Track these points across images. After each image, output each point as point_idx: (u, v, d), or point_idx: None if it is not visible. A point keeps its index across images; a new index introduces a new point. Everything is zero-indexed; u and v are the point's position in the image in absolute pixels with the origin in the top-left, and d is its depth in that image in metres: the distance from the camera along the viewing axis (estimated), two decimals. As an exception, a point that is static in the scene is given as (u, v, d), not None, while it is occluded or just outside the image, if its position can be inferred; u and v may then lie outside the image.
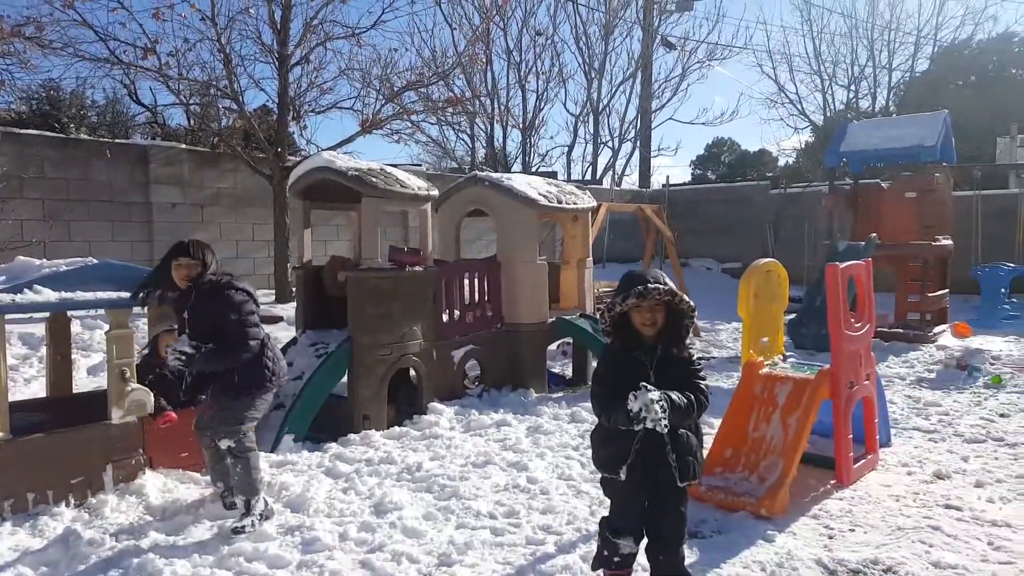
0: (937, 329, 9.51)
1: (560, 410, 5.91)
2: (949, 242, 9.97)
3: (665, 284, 2.60)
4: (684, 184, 23.59)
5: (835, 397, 4.26)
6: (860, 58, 22.96)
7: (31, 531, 3.46)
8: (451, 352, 6.15)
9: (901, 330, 9.42)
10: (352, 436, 5.07)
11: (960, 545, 3.49)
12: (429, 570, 3.23)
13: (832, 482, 4.28)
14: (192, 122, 13.17)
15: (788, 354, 4.96)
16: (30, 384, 5.66)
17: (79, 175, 9.10)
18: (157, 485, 3.98)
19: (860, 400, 4.49)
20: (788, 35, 27.96)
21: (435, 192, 6.12)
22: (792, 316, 9.31)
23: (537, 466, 4.56)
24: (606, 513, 3.07)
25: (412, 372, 5.88)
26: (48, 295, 3.76)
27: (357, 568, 3.22)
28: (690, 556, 3.36)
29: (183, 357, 3.43)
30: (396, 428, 5.35)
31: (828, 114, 23.15)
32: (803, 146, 24.55)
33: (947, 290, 10.12)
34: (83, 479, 3.81)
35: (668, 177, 17.41)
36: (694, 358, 2.73)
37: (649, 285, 2.56)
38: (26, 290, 3.70)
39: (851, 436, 4.33)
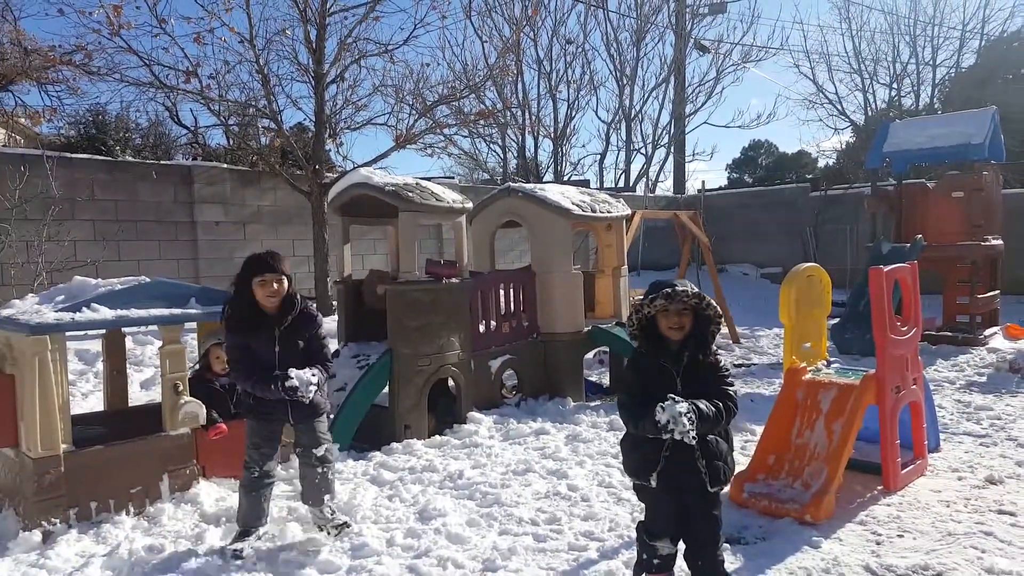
0: (988, 331, 9.30)
1: (598, 418, 5.94)
2: (999, 242, 9.75)
3: (693, 289, 2.65)
4: (720, 188, 23.41)
5: (881, 402, 4.22)
6: (902, 55, 22.52)
7: (95, 538, 3.61)
8: (488, 362, 6.23)
9: (949, 333, 9.23)
10: (395, 445, 5.17)
11: (1014, 551, 3.44)
12: (475, 574, 3.30)
13: (879, 488, 4.25)
14: (231, 142, 13.52)
15: (832, 359, 4.92)
16: (87, 398, 5.90)
17: (127, 196, 9.43)
18: (211, 494, 4.12)
19: (907, 405, 4.44)
20: (826, 34, 27.68)
21: (469, 205, 6.23)
22: (836, 320, 9.20)
23: (577, 474, 4.60)
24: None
25: (451, 382, 5.97)
26: (105, 313, 3.92)
27: (405, 573, 3.30)
28: (734, 562, 3.38)
29: (313, 386, 3.41)
30: (437, 437, 5.44)
31: (869, 113, 22.76)
32: (844, 147, 24.13)
33: (998, 291, 9.89)
34: (141, 488, 3.97)
35: (704, 182, 17.40)
36: (721, 363, 2.76)
37: (677, 288, 2.62)
38: (84, 308, 3.87)
39: (898, 441, 4.28)
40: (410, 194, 5.62)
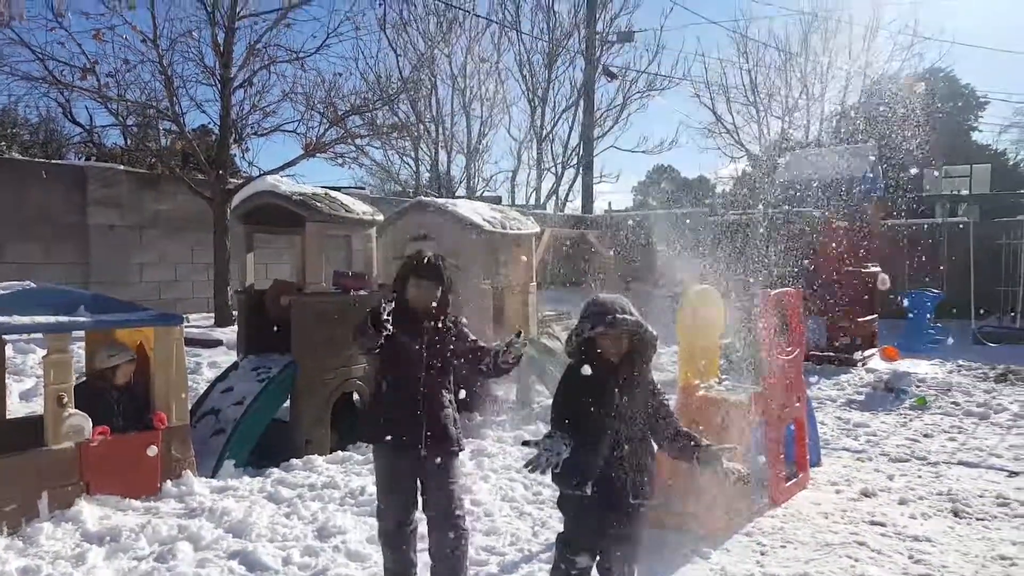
0: (866, 353, 9.99)
1: (504, 433, 6.02)
2: (878, 269, 10.54)
3: (632, 314, 2.73)
4: (626, 210, 24.21)
5: (768, 419, 4.47)
6: (794, 90, 24.09)
7: (-40, 562, 3.37)
8: (396, 376, 6.19)
9: (832, 354, 9.87)
10: (294, 461, 5.06)
11: (884, 559, 3.73)
12: (373, 592, 3.28)
13: (765, 501, 4.47)
14: (129, 142, 12.90)
15: (724, 377, 5.17)
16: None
17: (12, 196, 8.83)
18: (95, 512, 3.90)
19: (791, 422, 4.73)
20: (725, 67, 29.16)
21: (380, 217, 6.21)
22: (728, 340, 9.64)
23: (481, 488, 4.65)
24: (551, 533, 3.18)
25: (356, 396, 5.90)
26: (-18, 319, 3.69)
27: (301, 591, 3.25)
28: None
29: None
30: (339, 452, 5.36)
31: (763, 143, 24.17)
32: (740, 174, 25.52)
33: (876, 315, 10.67)
34: (17, 507, 3.73)
35: (610, 203, 17.90)
36: (657, 383, 2.88)
37: (618, 316, 2.69)
38: (-41, 314, 3.64)
39: (783, 456, 4.55)
40: (318, 204, 5.56)
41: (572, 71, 23.70)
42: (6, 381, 4.81)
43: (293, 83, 11.33)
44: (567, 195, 24.53)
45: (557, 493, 4.50)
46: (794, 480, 4.72)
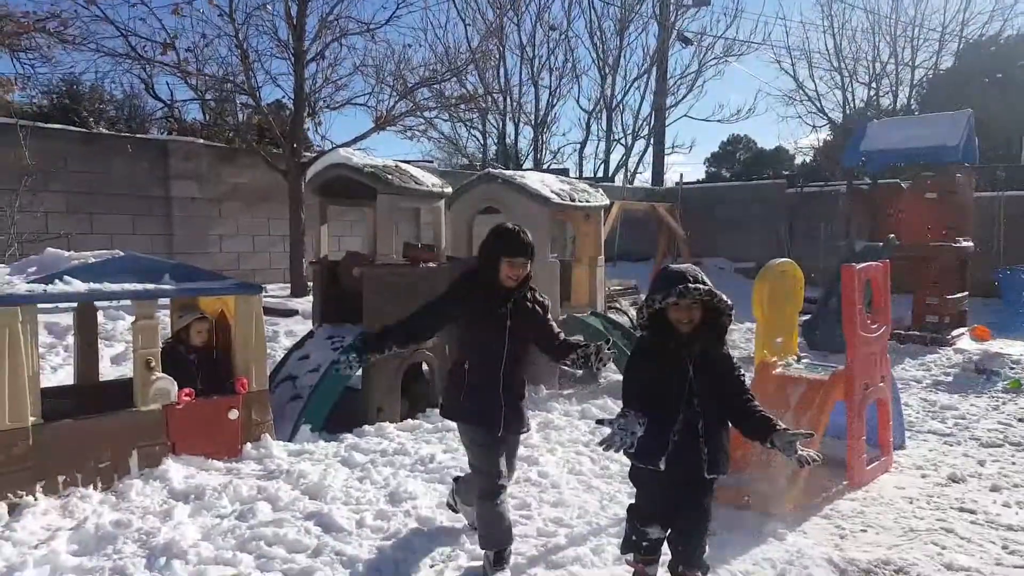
0: (955, 332, 9.51)
1: (571, 407, 6.00)
2: (970, 244, 9.96)
3: (704, 283, 2.65)
4: (698, 182, 23.57)
5: (849, 398, 4.30)
6: (882, 55, 22.74)
7: (62, 512, 3.59)
8: (464, 347, 6.24)
9: (918, 333, 9.43)
10: (367, 427, 5.18)
11: (974, 548, 3.55)
12: (443, 558, 3.33)
13: (844, 483, 4.33)
14: (208, 117, 13.31)
15: (802, 355, 5.01)
16: (57, 372, 5.81)
17: (101, 169, 9.27)
18: (180, 471, 4.09)
19: (875, 402, 4.53)
20: (808, 31, 27.68)
21: (449, 189, 6.22)
22: (807, 317, 9.34)
23: (548, 461, 4.65)
24: (619, 508, 3.15)
25: (425, 367, 5.98)
26: (78, 286, 3.88)
27: (374, 553, 3.33)
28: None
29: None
30: (409, 421, 5.46)
31: (848, 112, 23.00)
32: (821, 144, 24.37)
33: (967, 293, 10.11)
34: (110, 464, 3.94)
35: (682, 175, 17.46)
36: (733, 357, 2.80)
37: (689, 285, 2.61)
38: (56, 281, 3.83)
39: (864, 438, 4.37)
40: (389, 177, 5.60)
41: (645, 37, 23.20)
42: (97, 347, 5.07)
43: (364, 55, 11.46)
44: (637, 167, 24.10)
45: (625, 468, 4.51)
46: (876, 463, 4.54)
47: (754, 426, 2.74)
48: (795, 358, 4.80)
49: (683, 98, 23.04)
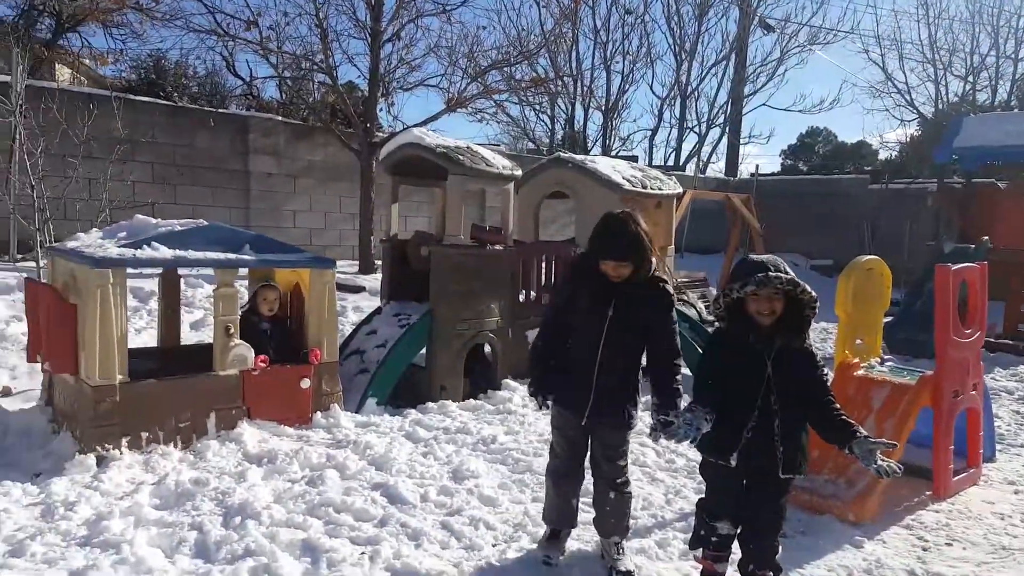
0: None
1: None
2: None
3: (786, 273, 2.55)
4: (773, 174, 22.86)
5: (937, 405, 4.09)
6: (981, 47, 21.43)
7: (144, 467, 3.78)
8: (526, 332, 6.25)
9: (1011, 341, 8.93)
10: (430, 405, 5.26)
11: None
12: (505, 538, 3.36)
13: (928, 494, 4.14)
14: (285, 95, 13.64)
15: (886, 357, 4.80)
16: (140, 334, 6.10)
17: (185, 142, 9.64)
18: (254, 435, 4.24)
19: (964, 411, 4.30)
20: (900, 20, 26.39)
21: (518, 172, 6.22)
22: (888, 319, 8.98)
23: (609, 450, 4.62)
24: (684, 503, 3.13)
25: (487, 348, 6.02)
26: (164, 252, 4.05)
27: (437, 528, 3.38)
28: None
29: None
30: (471, 401, 5.51)
31: (940, 106, 21.83)
32: (908, 139, 23.22)
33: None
34: (189, 424, 4.12)
35: (757, 166, 16.90)
36: (817, 355, 2.70)
37: (770, 273, 2.51)
38: (145, 246, 4.00)
39: (952, 448, 4.16)
40: (461, 157, 5.63)
41: (724, 23, 22.51)
42: (180, 312, 5.29)
43: (438, 37, 11.52)
44: (710, 156, 23.51)
45: (691, 462, 4.47)
46: (964, 475, 4.30)
47: (833, 430, 2.64)
48: (878, 360, 4.60)
49: (762, 86, 22.35)
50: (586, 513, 3.32)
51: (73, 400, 3.96)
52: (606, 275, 2.89)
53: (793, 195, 17.66)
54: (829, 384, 2.71)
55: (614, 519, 3.11)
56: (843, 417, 2.63)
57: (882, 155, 26.45)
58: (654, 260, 2.91)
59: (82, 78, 13.83)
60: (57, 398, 4.23)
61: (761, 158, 46.64)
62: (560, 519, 3.23)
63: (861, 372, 4.35)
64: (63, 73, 12.84)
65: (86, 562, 2.81)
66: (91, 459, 3.68)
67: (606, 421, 3.05)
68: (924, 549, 3.53)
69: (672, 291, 2.97)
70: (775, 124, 41.04)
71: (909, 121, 23.05)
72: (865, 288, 4.46)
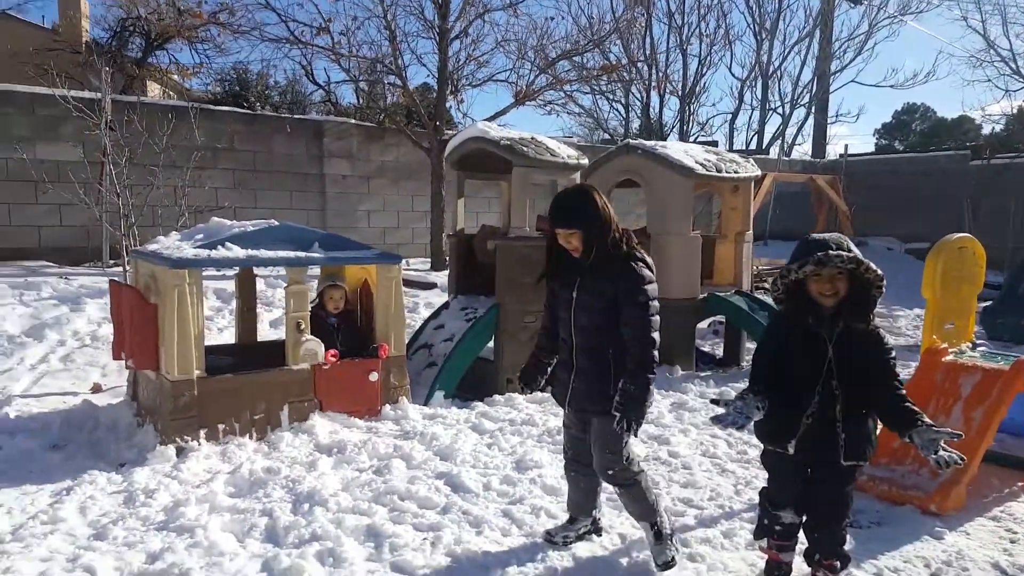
0: None
1: (707, 388, 5.78)
2: None
3: (849, 250, 2.39)
4: (867, 155, 21.72)
5: (1033, 392, 3.81)
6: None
7: (220, 457, 3.95)
8: (597, 322, 6.17)
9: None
10: (497, 397, 5.27)
11: None
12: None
13: (1020, 484, 3.89)
14: (360, 100, 14.01)
15: (978, 343, 4.49)
16: (222, 333, 6.39)
17: (263, 148, 10.04)
18: (326, 426, 4.37)
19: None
20: (1004, -20, 24.45)
21: (585, 161, 6.14)
22: (987, 304, 8.41)
23: (680, 441, 4.52)
24: (755, 494, 3.07)
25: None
26: (237, 252, 4.21)
27: (499, 517, 3.38)
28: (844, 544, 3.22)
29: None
30: (538, 393, 5.41)
31: (1051, 73, 20.21)
32: (1015, 111, 21.55)
33: None
34: (263, 416, 4.28)
35: (846, 146, 16.04)
36: (884, 337, 2.53)
37: (831, 252, 2.36)
38: (219, 247, 4.17)
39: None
40: (524, 148, 5.60)
41: (807, -2, 21.42)
42: (259, 310, 5.50)
43: (505, 30, 11.53)
44: (795, 138, 22.58)
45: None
46: (1060, 465, 4.00)
47: (895, 416, 2.47)
48: (969, 345, 4.31)
49: (850, 62, 21.26)
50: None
51: (155, 395, 4.18)
52: (572, 255, 2.79)
53: (886, 175, 16.70)
54: (896, 368, 2.53)
55: (631, 509, 3.01)
56: (907, 404, 2.46)
57: (986, 129, 24.68)
58: (615, 234, 2.74)
59: (171, 92, 14.65)
60: (141, 393, 4.48)
61: (853, 138, 44.56)
62: (573, 508, 3.22)
63: (950, 358, 4.08)
64: (153, 89, 13.64)
65: (163, 545, 2.96)
66: (171, 450, 3.88)
67: (591, 409, 2.89)
68: (1012, 541, 3.31)
69: (644, 268, 2.75)
70: (865, 102, 39.01)
71: (1015, 91, 21.35)
72: (956, 269, 4.18)
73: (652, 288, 2.75)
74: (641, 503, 2.95)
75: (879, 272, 2.42)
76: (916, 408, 2.45)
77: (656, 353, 2.71)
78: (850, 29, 21.10)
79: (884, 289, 2.45)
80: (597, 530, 3.24)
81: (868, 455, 2.55)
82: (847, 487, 2.60)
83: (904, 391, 2.50)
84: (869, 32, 20.69)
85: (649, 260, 2.82)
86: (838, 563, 2.65)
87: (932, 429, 2.37)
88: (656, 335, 2.72)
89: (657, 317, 2.74)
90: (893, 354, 2.54)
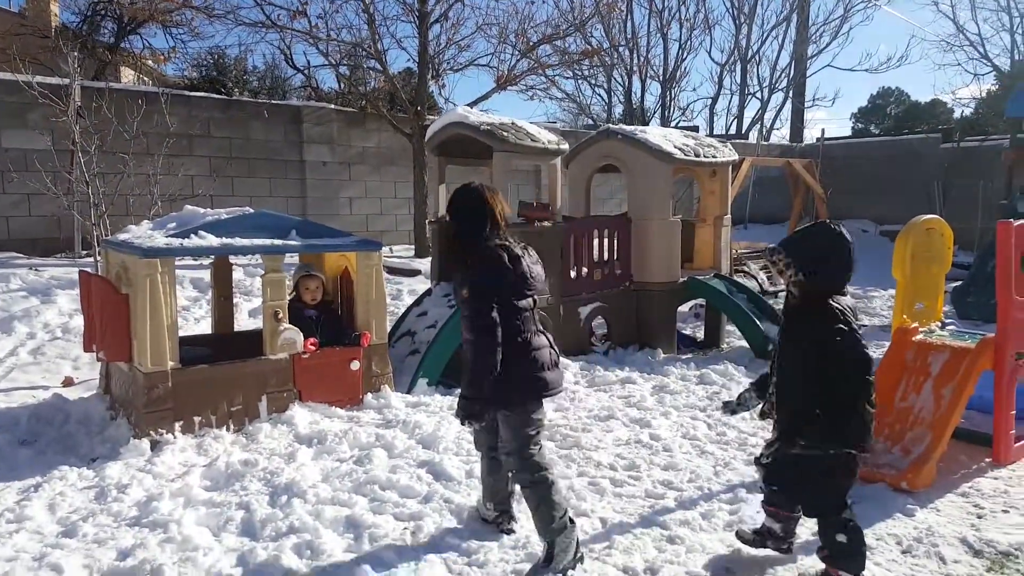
0: None
1: (688, 371, 5.78)
2: None
3: (798, 247, 2.63)
4: (843, 138, 21.84)
5: (998, 368, 3.87)
6: (1061, -9, 19.88)
7: (197, 450, 3.89)
8: (578, 308, 6.16)
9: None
10: (480, 383, 5.23)
11: None
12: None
13: (987, 460, 3.95)
14: (342, 85, 13.82)
15: (947, 322, 4.56)
16: (199, 323, 6.30)
17: (240, 134, 9.86)
18: (305, 417, 4.31)
19: (1027, 375, 4.05)
20: (971, -35, 24.40)
21: (565, 146, 6.09)
22: (958, 283, 8.53)
23: (661, 424, 4.52)
24: (733, 475, 3.41)
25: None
26: (211, 240, 4.13)
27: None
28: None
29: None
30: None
31: (1016, 57, 20.39)
32: (984, 95, 21.76)
33: None
34: (241, 408, 4.21)
35: (823, 131, 16.06)
36: (829, 312, 2.53)
37: (775, 246, 2.70)
38: (192, 235, 4.09)
39: (1013, 412, 3.95)
40: (504, 134, 5.55)
41: (785, -18, 21.45)
42: (234, 300, 5.42)
43: (486, 14, 11.41)
44: (773, 122, 22.65)
45: (742, 435, 4.39)
46: (1025, 441, 4.07)
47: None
48: (939, 324, 4.36)
49: (826, 46, 21.39)
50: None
51: (128, 387, 4.10)
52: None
53: (861, 158, 16.83)
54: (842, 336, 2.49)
55: (533, 516, 2.81)
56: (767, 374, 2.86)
57: (957, 112, 24.89)
58: (482, 226, 2.76)
59: (145, 78, 14.37)
60: (114, 386, 4.40)
61: (831, 123, 44.93)
62: (487, 494, 3.16)
63: (920, 337, 4.14)
64: (127, 75, 13.36)
65: (134, 541, 2.90)
66: (145, 443, 3.80)
67: (492, 408, 2.80)
68: (979, 516, 3.38)
69: (493, 256, 2.69)
70: (841, 86, 39.20)
71: (983, 75, 21.61)
72: (924, 249, 4.22)
73: (482, 275, 2.68)
74: (545, 512, 2.75)
75: (787, 259, 2.59)
76: (773, 384, 2.78)
77: (485, 343, 2.63)
78: (826, 14, 21.18)
79: (789, 265, 2.57)
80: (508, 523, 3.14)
81: (801, 438, 2.55)
82: (815, 471, 2.61)
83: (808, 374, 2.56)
84: (844, 16, 20.82)
85: (498, 252, 2.71)
86: (832, 559, 2.65)
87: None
88: (476, 331, 2.66)
89: (482, 306, 2.65)
90: (838, 337, 2.49)
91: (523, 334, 2.77)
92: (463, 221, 2.82)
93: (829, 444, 2.54)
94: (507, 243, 2.80)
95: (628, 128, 6.99)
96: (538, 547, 2.90)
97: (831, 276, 2.56)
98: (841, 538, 2.62)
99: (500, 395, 2.73)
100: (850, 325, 2.49)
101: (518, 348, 2.75)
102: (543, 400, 2.87)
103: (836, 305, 2.51)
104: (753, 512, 3.30)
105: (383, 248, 5.10)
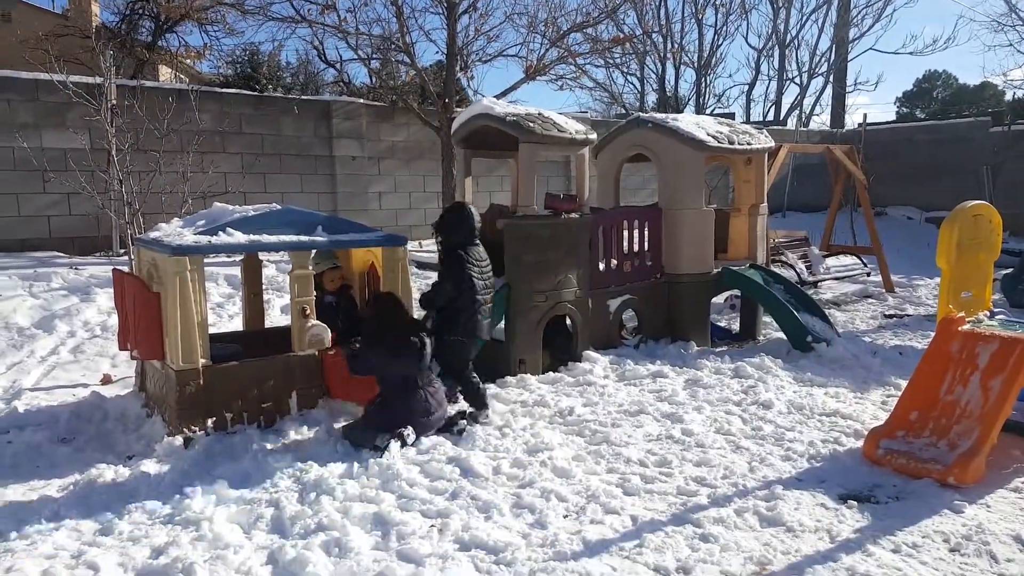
0: None
1: (723, 364, 5.66)
2: None
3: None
4: (887, 123, 21.19)
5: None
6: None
7: (227, 445, 3.91)
8: (607, 301, 6.07)
9: None
10: (509, 379, 5.20)
11: None
12: (576, 509, 3.26)
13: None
14: (372, 79, 13.84)
15: (996, 311, 4.37)
16: (233, 319, 6.36)
17: (271, 130, 9.93)
18: (334, 413, 4.32)
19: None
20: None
21: (593, 136, 5.99)
22: (1008, 271, 8.22)
23: (694, 419, 4.43)
24: (769, 471, 3.38)
25: (568, 320, 5.89)
26: (239, 237, 4.14)
27: (508, 500, 3.33)
28: (860, 521, 3.14)
29: None
30: (551, 373, 5.41)
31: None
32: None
33: None
34: (271, 404, 4.23)
35: (865, 115, 15.54)
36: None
37: None
38: (220, 233, 4.11)
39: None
40: (531, 124, 5.48)
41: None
42: (266, 296, 5.46)
43: (515, 3, 11.30)
44: (813, 108, 22.11)
45: (779, 430, 4.26)
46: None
47: None
48: (987, 313, 4.18)
49: (868, 29, 20.74)
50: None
51: (161, 385, 4.15)
52: None
53: (905, 144, 16.31)
54: None
55: None
56: None
57: (1008, 95, 23.99)
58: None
59: (182, 76, 14.58)
60: (149, 384, 4.46)
61: (873, 108, 43.62)
62: None
63: (967, 327, 3.96)
64: (164, 73, 13.57)
65: (167, 539, 2.93)
66: (178, 440, 3.84)
67: None
68: (1035, 515, 3.20)
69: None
70: (885, 69, 38.03)
71: (1038, 54, 20.70)
72: (972, 236, 4.05)
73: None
74: None
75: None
76: None
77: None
78: (868, -6, 20.46)
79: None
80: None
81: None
82: None
83: None
84: (888, -2, 20.12)
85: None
86: None
87: None
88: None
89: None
90: None
91: None
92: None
93: None
94: None
95: (659, 116, 6.85)
96: (567, 544, 2.91)
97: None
98: None
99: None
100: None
101: None
102: None
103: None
104: (791, 509, 3.21)
105: (411, 242, 5.08)
